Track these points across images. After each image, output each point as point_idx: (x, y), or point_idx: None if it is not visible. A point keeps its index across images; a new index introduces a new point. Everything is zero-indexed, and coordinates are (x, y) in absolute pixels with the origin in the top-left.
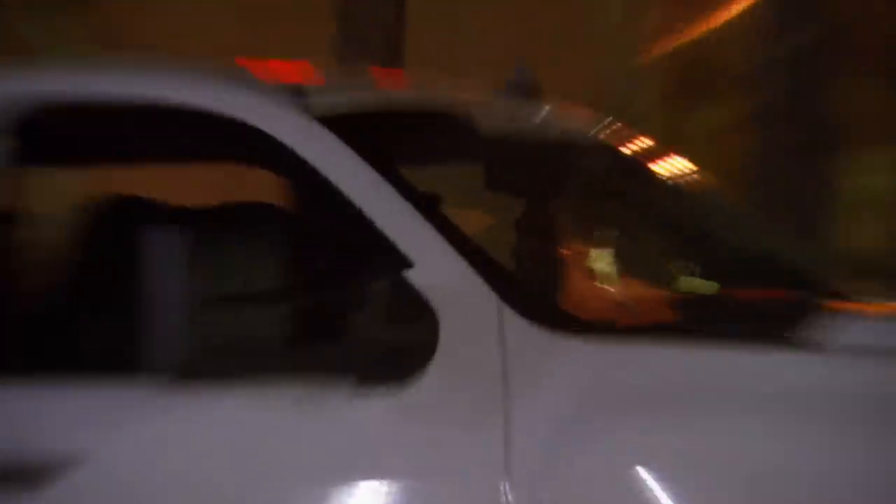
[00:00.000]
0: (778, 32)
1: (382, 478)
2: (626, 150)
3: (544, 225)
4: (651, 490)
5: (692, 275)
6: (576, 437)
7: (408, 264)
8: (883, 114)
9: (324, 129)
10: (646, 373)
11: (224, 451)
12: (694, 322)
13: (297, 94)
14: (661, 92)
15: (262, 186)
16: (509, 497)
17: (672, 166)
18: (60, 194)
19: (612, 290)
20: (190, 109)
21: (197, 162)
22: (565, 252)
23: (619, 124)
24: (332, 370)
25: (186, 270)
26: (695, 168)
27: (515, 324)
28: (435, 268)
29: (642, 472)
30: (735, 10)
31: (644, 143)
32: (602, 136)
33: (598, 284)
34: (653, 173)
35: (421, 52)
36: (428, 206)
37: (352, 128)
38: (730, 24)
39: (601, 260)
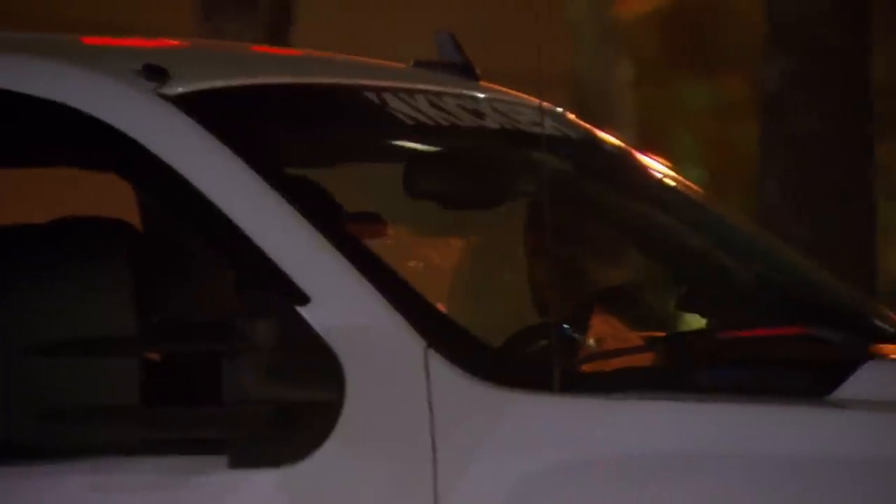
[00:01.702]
0: None
1: None
2: (585, 149)
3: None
4: None
5: (676, 307)
6: None
7: (302, 299)
8: None
9: (190, 120)
10: (620, 437)
11: None
12: (674, 368)
13: (153, 75)
14: (641, 63)
15: (105, 196)
16: None
17: (645, 169)
18: None
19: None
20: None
21: (15, 164)
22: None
23: (572, 115)
24: (202, 441)
25: None
26: (674, 171)
27: (448, 376)
28: (339, 303)
29: None
30: None
31: (608, 139)
32: (555, 130)
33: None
34: (618, 178)
35: (314, 26)
36: (330, 221)
37: (227, 119)
38: None
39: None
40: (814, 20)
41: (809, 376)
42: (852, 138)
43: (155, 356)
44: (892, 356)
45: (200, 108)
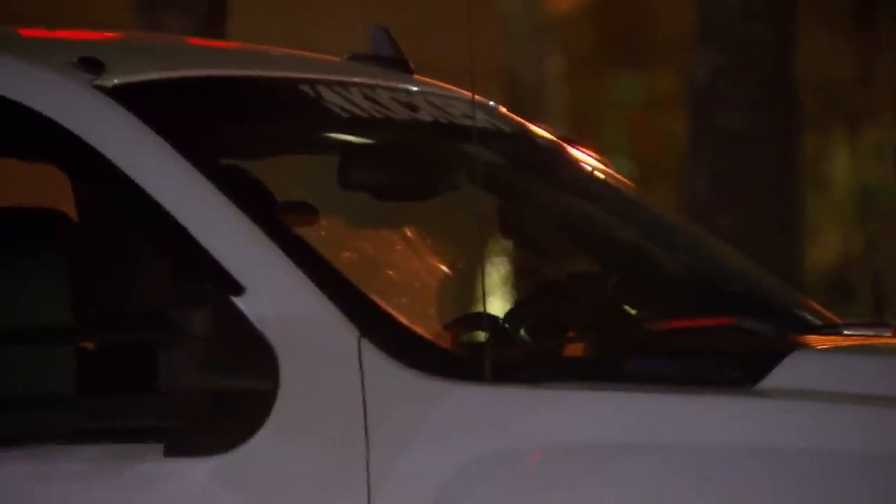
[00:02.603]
0: None
1: None
2: (517, 142)
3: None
4: None
5: (605, 296)
6: None
7: (237, 289)
8: (869, 78)
9: (122, 109)
10: (550, 426)
11: None
12: (604, 359)
13: (89, 67)
14: (574, 57)
15: (40, 186)
16: None
17: (577, 162)
18: None
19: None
20: None
21: None
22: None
23: (504, 109)
24: (138, 430)
25: None
26: (605, 162)
27: (381, 366)
28: (273, 294)
29: None
30: None
31: (539, 132)
32: (487, 123)
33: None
34: (549, 171)
35: (250, 20)
36: (265, 212)
37: (161, 109)
38: None
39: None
40: (740, 15)
41: (737, 366)
42: (778, 131)
43: (91, 346)
44: (817, 347)
45: (136, 99)
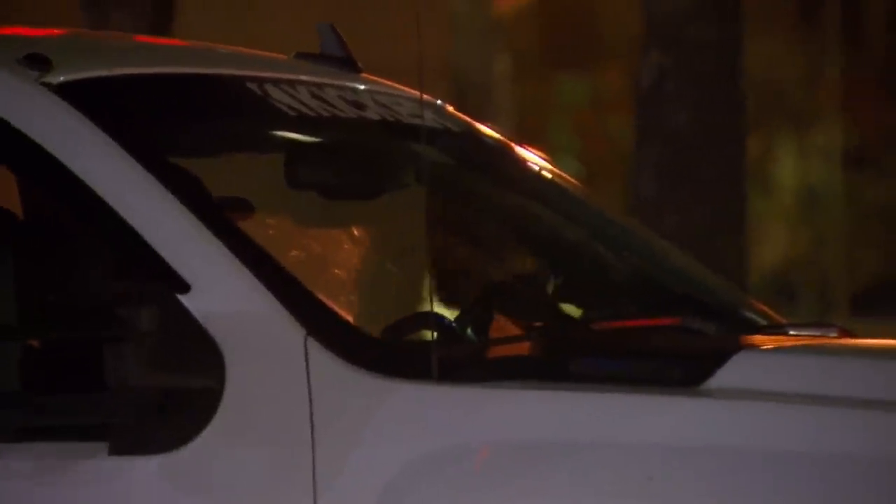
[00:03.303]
0: None
1: None
2: (464, 142)
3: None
4: None
5: (554, 296)
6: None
7: (182, 287)
8: (814, 80)
9: (68, 106)
10: (496, 425)
11: None
12: (550, 358)
13: (35, 64)
14: (521, 57)
15: None
16: None
17: (524, 162)
18: None
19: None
20: None
21: None
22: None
23: (452, 108)
24: (80, 428)
25: None
26: (552, 162)
27: (328, 365)
28: (219, 292)
29: None
30: None
31: (487, 132)
32: (435, 122)
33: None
34: (497, 171)
35: (197, 18)
36: (211, 210)
37: (107, 107)
38: None
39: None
40: (686, 16)
41: (682, 366)
42: (724, 131)
43: (35, 343)
44: (762, 347)
45: (82, 96)
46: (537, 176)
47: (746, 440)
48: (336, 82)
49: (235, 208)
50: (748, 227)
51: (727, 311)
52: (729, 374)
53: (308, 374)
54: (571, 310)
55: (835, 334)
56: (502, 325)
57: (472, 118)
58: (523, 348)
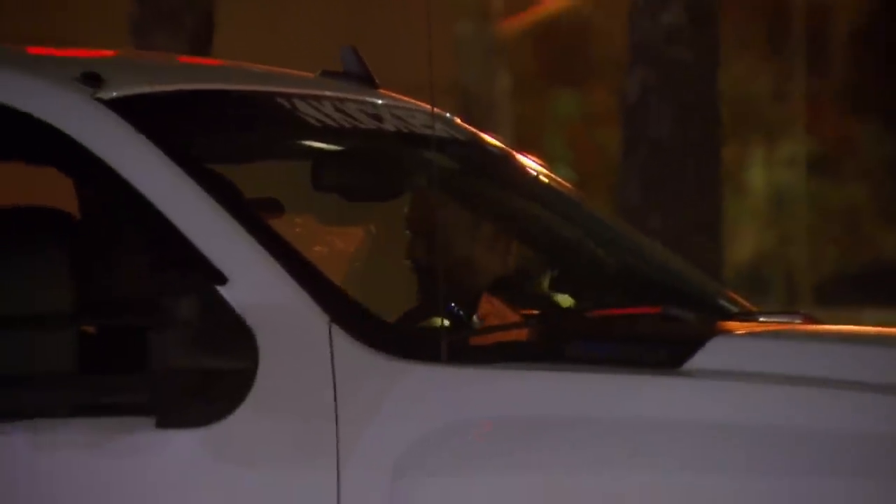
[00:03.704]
0: (658, 5)
1: None
2: (471, 150)
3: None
4: None
5: (550, 287)
6: (418, 481)
7: (220, 279)
8: (782, 96)
9: (119, 119)
10: (499, 402)
11: (9, 500)
12: (548, 342)
13: (90, 81)
14: (520, 75)
15: (48, 189)
16: None
17: (524, 168)
18: None
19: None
20: None
21: None
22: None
23: (459, 120)
24: (130, 405)
25: None
26: (548, 169)
27: (349, 349)
28: (253, 283)
29: None
30: None
31: (491, 141)
32: (444, 132)
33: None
34: (500, 176)
35: (233, 40)
36: (245, 211)
37: (154, 119)
38: None
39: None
40: (667, 39)
41: (664, 349)
42: (702, 142)
43: (92, 329)
44: (736, 332)
45: (131, 110)
46: (536, 180)
47: (723, 416)
48: (357, 97)
49: (268, 208)
50: (723, 226)
51: (704, 301)
52: (706, 357)
53: (332, 356)
54: (566, 299)
55: (800, 321)
56: (505, 313)
57: (476, 129)
58: (523, 334)
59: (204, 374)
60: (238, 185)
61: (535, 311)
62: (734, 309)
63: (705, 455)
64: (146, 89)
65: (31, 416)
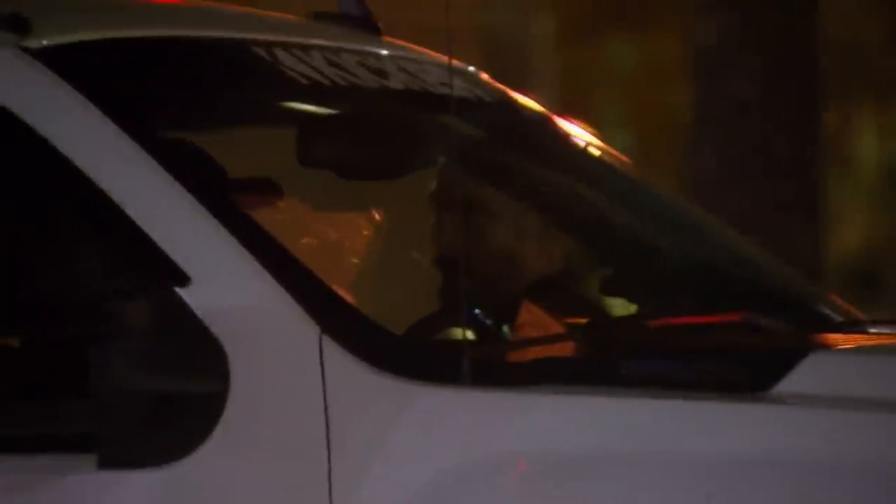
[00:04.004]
0: None
1: None
2: (499, 114)
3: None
4: None
5: (601, 289)
6: None
7: (181, 279)
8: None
9: (52, 74)
10: (535, 434)
11: None
12: (597, 359)
13: (14, 26)
14: (563, 17)
15: None
16: None
17: (567, 137)
18: None
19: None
20: None
21: None
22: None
23: (486, 77)
24: (65, 438)
25: None
26: (599, 139)
27: (345, 367)
28: (223, 284)
29: None
30: None
31: (524, 102)
32: (466, 91)
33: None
34: (535, 147)
35: None
36: (214, 192)
37: (96, 75)
38: None
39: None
40: None
41: (747, 369)
42: (796, 103)
43: (14, 343)
44: (839, 347)
45: (66, 63)
46: (581, 152)
47: (819, 454)
48: (355, 47)
49: (260, 192)
50: (824, 210)
51: (798, 306)
52: (800, 379)
53: (323, 377)
54: (620, 305)
55: None
56: (543, 323)
57: (508, 86)
58: (566, 348)
59: (159, 399)
60: (207, 160)
61: (583, 320)
62: (837, 317)
63: (798, 500)
64: (86, 36)
65: None
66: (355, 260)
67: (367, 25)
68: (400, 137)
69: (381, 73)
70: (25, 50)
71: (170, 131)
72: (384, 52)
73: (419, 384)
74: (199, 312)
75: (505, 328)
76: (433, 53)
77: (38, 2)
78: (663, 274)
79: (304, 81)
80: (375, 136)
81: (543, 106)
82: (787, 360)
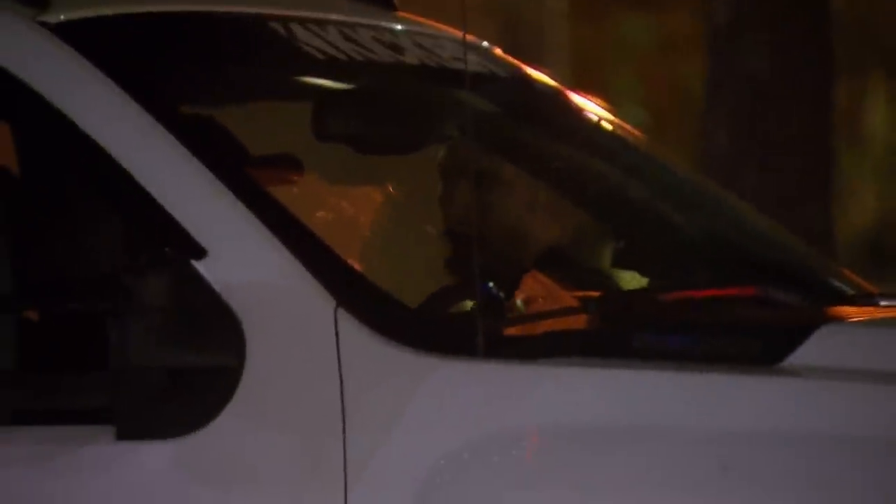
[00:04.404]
0: None
1: None
2: (513, 88)
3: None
4: None
5: (613, 262)
6: (447, 495)
7: (198, 252)
8: None
9: (69, 48)
10: (549, 407)
11: None
12: (610, 332)
13: (34, 2)
14: None
15: None
16: None
17: (580, 111)
18: None
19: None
20: None
21: None
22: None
23: (499, 50)
24: (86, 410)
25: None
26: (612, 112)
27: (360, 340)
28: (239, 258)
29: None
30: None
31: (538, 77)
32: (480, 66)
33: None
34: (549, 121)
35: None
36: (230, 166)
37: (113, 49)
38: None
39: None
40: None
41: (759, 341)
42: (809, 77)
43: (33, 316)
44: (851, 320)
45: (85, 37)
46: (595, 127)
47: (832, 425)
48: (370, 22)
49: (279, 166)
50: (835, 184)
51: (810, 279)
52: (813, 351)
53: (338, 349)
54: (634, 278)
55: None
56: (557, 295)
57: (521, 61)
58: (580, 321)
59: (176, 372)
60: (224, 134)
61: (595, 293)
62: (849, 290)
63: (810, 472)
64: (103, 11)
65: None
66: (370, 234)
67: (383, 2)
68: (414, 112)
69: (395, 47)
70: (43, 24)
71: (186, 106)
72: (399, 26)
73: (434, 357)
74: (215, 286)
75: (518, 301)
76: (446, 28)
77: None
78: (675, 247)
79: (320, 56)
80: (390, 110)
81: (557, 81)
82: (799, 333)
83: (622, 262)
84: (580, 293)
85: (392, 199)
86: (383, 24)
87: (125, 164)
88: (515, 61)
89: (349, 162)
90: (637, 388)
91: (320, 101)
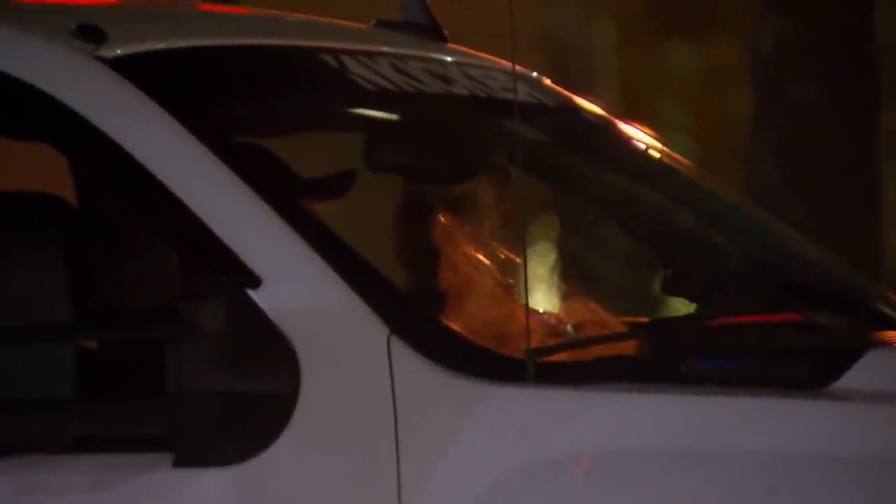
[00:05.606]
0: None
1: None
2: (562, 118)
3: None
4: None
5: (661, 290)
6: None
7: (253, 281)
8: None
9: (125, 82)
10: (599, 432)
11: None
12: (659, 358)
13: (89, 36)
14: (625, 22)
15: (39, 170)
16: None
17: (628, 140)
18: None
19: (545, 312)
20: None
21: None
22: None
23: (549, 82)
24: (143, 438)
25: None
26: (660, 142)
27: (413, 366)
28: (293, 286)
29: None
30: None
31: (587, 107)
32: (529, 97)
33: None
34: (598, 150)
35: None
36: (284, 195)
37: (168, 82)
38: None
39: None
40: None
41: (808, 366)
42: (854, 104)
43: (92, 344)
44: None
45: (141, 72)
46: (643, 155)
47: (879, 449)
48: (420, 54)
49: (329, 185)
50: (882, 209)
51: (858, 304)
52: (860, 375)
53: (392, 376)
54: (682, 304)
55: None
56: (606, 321)
57: (570, 91)
58: (629, 346)
59: (233, 399)
60: (278, 163)
61: (644, 319)
62: (895, 314)
63: (856, 496)
64: (158, 45)
65: (21, 453)
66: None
67: (433, 32)
68: (464, 142)
69: (445, 78)
70: (101, 59)
71: (240, 137)
72: (449, 58)
73: (485, 383)
74: (270, 313)
75: (568, 327)
76: (496, 59)
77: (112, 12)
78: (723, 274)
79: (371, 88)
80: (440, 140)
81: (605, 110)
82: (847, 357)
83: (671, 288)
84: (630, 319)
85: (443, 228)
86: (434, 54)
87: (182, 195)
88: (564, 91)
89: (400, 191)
90: (686, 413)
91: (372, 133)
